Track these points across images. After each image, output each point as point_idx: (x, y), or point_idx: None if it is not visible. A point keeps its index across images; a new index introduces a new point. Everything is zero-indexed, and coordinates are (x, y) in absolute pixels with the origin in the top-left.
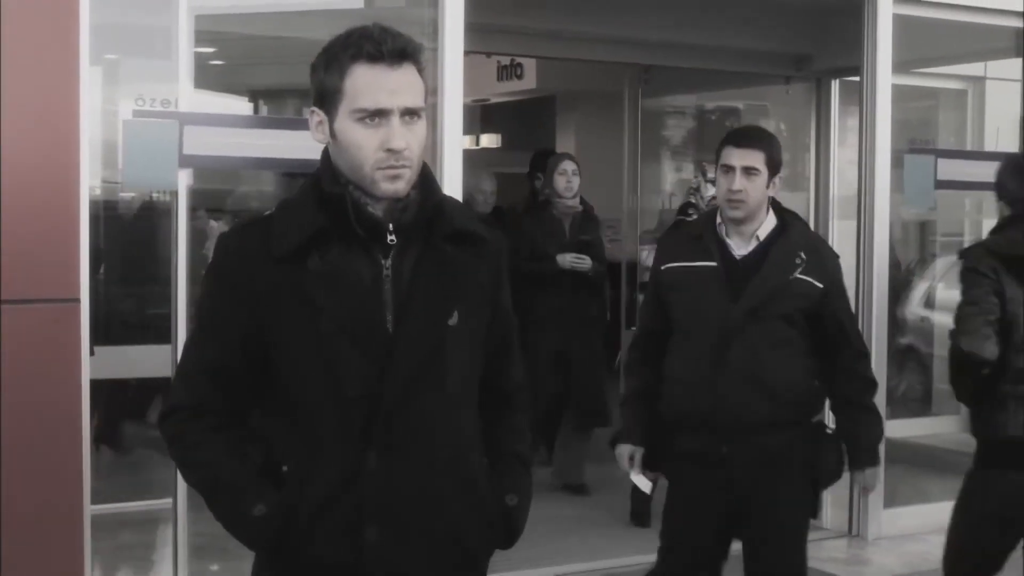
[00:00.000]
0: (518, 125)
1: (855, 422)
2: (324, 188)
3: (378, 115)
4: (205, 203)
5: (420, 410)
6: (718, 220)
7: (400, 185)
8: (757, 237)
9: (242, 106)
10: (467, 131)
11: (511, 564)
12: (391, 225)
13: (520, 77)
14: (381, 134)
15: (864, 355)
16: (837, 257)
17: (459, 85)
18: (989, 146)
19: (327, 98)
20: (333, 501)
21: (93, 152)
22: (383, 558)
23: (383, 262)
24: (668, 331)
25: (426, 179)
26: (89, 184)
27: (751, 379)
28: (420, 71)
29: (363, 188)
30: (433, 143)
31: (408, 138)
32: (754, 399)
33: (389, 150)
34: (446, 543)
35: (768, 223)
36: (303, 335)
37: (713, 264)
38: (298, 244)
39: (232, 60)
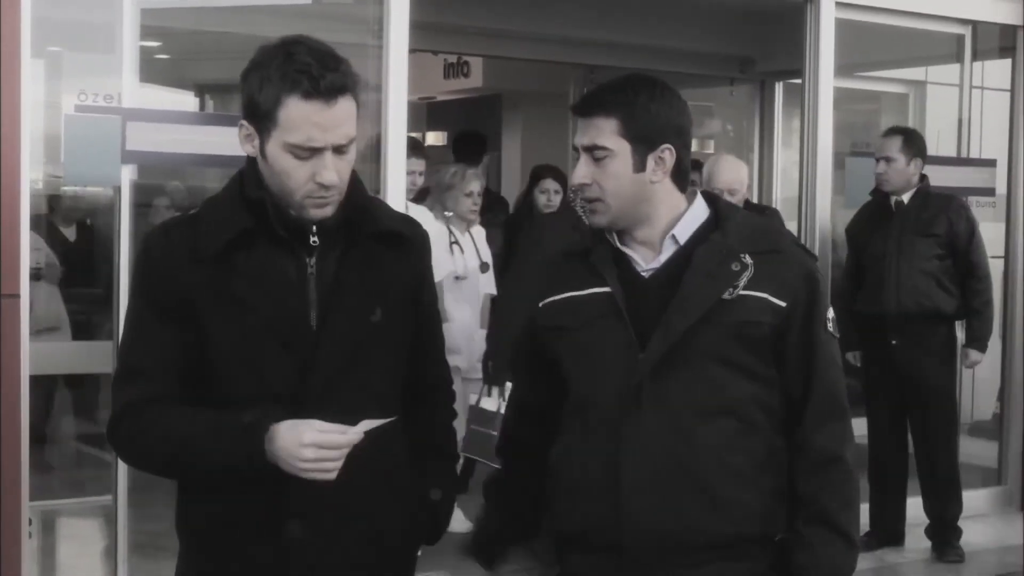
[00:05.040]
0: (464, 123)
1: (812, 552)
2: (247, 192)
3: (310, 151)
4: (149, 199)
5: (342, 406)
6: None
7: (327, 211)
8: (674, 238)
9: (188, 101)
10: (413, 128)
11: None
12: (314, 227)
13: (467, 75)
14: (311, 166)
15: (839, 434)
16: (813, 259)
17: (404, 83)
18: (930, 150)
19: (258, 118)
20: (256, 496)
21: (35, 147)
22: (305, 554)
23: (308, 261)
24: (554, 404)
25: (352, 183)
26: (30, 179)
27: (675, 472)
28: (355, 97)
29: (288, 208)
30: (377, 140)
31: (339, 168)
32: (680, 507)
33: (319, 184)
34: (367, 537)
35: (691, 217)
36: (230, 333)
37: (605, 290)
38: (223, 244)
39: (177, 55)
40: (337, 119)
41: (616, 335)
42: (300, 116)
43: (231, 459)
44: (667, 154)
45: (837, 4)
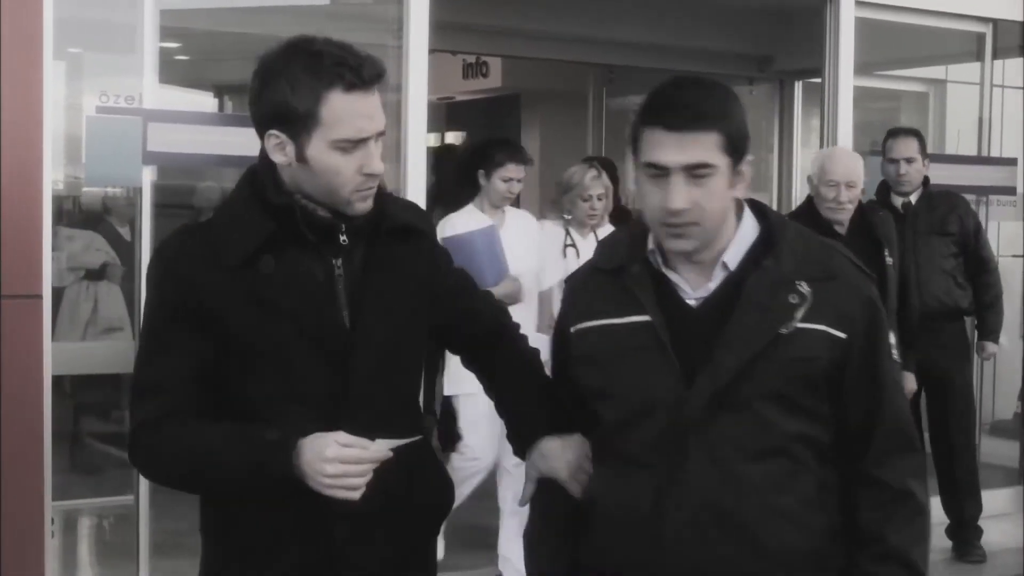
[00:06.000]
0: (483, 123)
1: None
2: (270, 199)
3: (358, 143)
4: (169, 200)
5: (378, 406)
6: (650, 243)
7: (371, 203)
8: (724, 265)
9: (207, 102)
10: (432, 128)
11: None
12: (343, 226)
13: (485, 75)
14: (359, 159)
15: (908, 468)
16: (872, 281)
17: (423, 83)
18: (950, 149)
19: (294, 122)
20: (303, 502)
21: (56, 148)
22: (352, 556)
23: (335, 262)
24: (586, 431)
25: None
26: (52, 180)
27: (720, 516)
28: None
29: (332, 206)
30: (397, 140)
31: (381, 155)
32: (727, 551)
33: (368, 174)
34: (404, 529)
35: (742, 237)
36: (260, 337)
37: (644, 319)
38: (250, 250)
39: (197, 56)
40: (378, 106)
41: (659, 370)
42: (346, 109)
43: (257, 476)
44: (748, 167)
45: (857, 3)
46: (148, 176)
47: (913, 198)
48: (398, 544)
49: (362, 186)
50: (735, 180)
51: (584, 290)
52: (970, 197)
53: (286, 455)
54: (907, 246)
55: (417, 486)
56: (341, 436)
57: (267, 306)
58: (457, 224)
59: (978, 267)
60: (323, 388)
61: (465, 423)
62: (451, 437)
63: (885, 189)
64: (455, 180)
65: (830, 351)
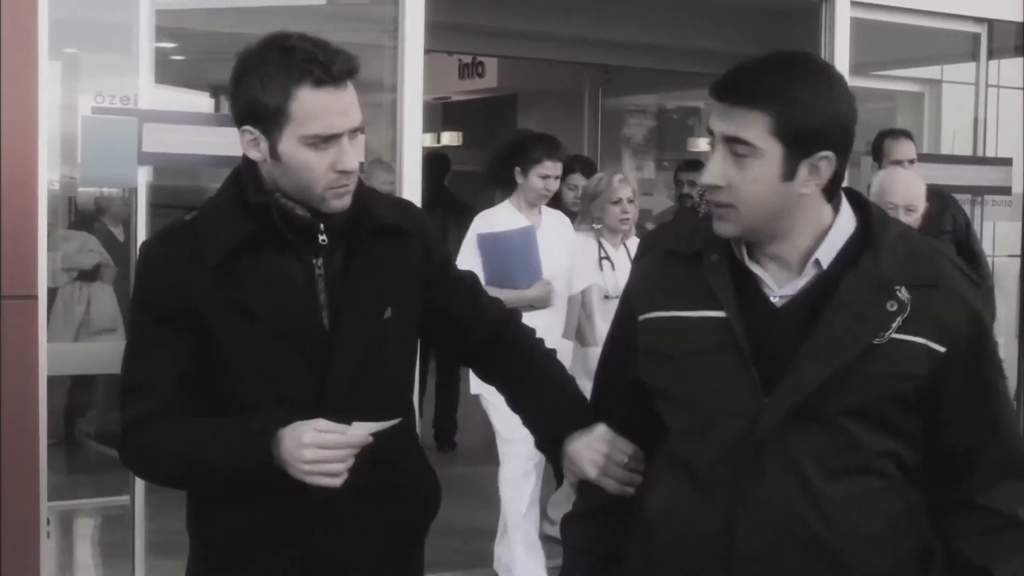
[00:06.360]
0: (479, 123)
1: None
2: (248, 198)
3: (329, 139)
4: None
5: (362, 404)
6: None
7: (347, 200)
8: (817, 263)
9: (203, 102)
10: (428, 129)
11: None
12: (322, 225)
13: (481, 75)
14: (331, 155)
15: (1018, 494)
16: (977, 288)
17: (419, 83)
18: (945, 149)
19: (265, 118)
20: (279, 502)
21: (52, 148)
22: (334, 556)
23: (314, 262)
24: (649, 427)
25: None
26: (47, 180)
27: (803, 537)
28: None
29: (307, 204)
30: (393, 141)
31: (356, 153)
32: (804, 571)
33: (341, 171)
34: (389, 533)
35: (837, 234)
36: (241, 340)
37: (720, 315)
38: (227, 251)
39: (193, 56)
40: (350, 102)
41: (733, 375)
42: (315, 105)
43: (241, 468)
44: (824, 163)
45: (852, 3)
46: (144, 176)
47: None
48: (383, 544)
49: (335, 183)
50: (797, 173)
51: (656, 274)
52: (965, 197)
53: (266, 444)
54: None
55: (403, 486)
56: (320, 423)
57: (245, 309)
58: (495, 221)
59: (971, 261)
60: (304, 390)
61: (498, 415)
62: (446, 437)
63: None
64: (487, 177)
65: (929, 367)
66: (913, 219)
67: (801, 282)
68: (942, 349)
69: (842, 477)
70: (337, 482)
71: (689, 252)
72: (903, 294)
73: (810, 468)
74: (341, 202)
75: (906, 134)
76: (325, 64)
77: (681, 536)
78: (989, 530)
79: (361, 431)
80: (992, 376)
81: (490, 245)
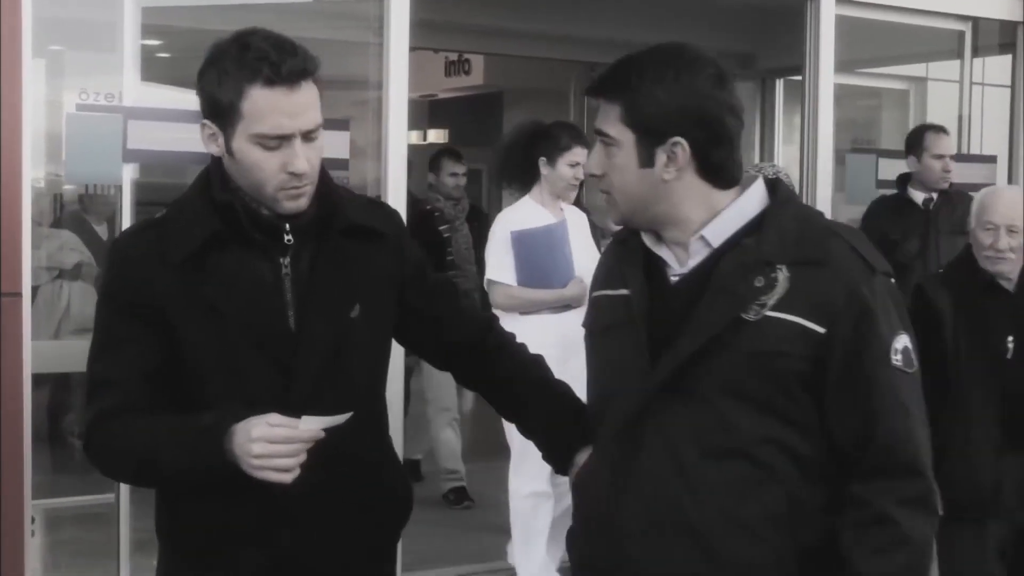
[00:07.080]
0: (465, 121)
1: None
2: (214, 195)
3: (279, 139)
4: (149, 198)
5: (328, 405)
6: None
7: (302, 202)
8: (703, 240)
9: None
10: (414, 126)
11: None
12: (287, 225)
13: (467, 73)
14: (282, 156)
15: (891, 492)
16: (870, 272)
17: (404, 81)
18: None
19: (221, 114)
20: (244, 503)
21: (36, 146)
22: (297, 561)
23: (281, 261)
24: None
25: (321, 174)
26: (32, 178)
27: (672, 515)
28: (316, 82)
29: (263, 203)
30: (378, 138)
31: (310, 156)
32: (676, 559)
33: (292, 173)
34: (357, 537)
35: (731, 215)
36: (207, 338)
37: (624, 293)
38: (193, 248)
39: (178, 53)
40: (302, 104)
41: (631, 351)
42: (265, 104)
43: (193, 464)
44: (679, 150)
45: (837, 1)
46: (128, 174)
47: (934, 195)
48: (355, 544)
49: (286, 184)
50: (655, 160)
51: (603, 260)
52: None
53: (218, 440)
54: (930, 245)
55: (376, 485)
56: (273, 417)
57: (211, 308)
58: (523, 220)
59: None
60: (270, 389)
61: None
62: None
63: (904, 182)
64: (501, 173)
65: (805, 348)
66: (1016, 241)
67: (693, 261)
68: (821, 330)
69: (719, 460)
70: (288, 478)
71: (622, 238)
72: (777, 273)
73: (685, 449)
74: (294, 204)
75: (945, 130)
76: (276, 64)
77: (588, 515)
78: (857, 523)
79: (312, 425)
80: (872, 367)
81: (526, 243)
